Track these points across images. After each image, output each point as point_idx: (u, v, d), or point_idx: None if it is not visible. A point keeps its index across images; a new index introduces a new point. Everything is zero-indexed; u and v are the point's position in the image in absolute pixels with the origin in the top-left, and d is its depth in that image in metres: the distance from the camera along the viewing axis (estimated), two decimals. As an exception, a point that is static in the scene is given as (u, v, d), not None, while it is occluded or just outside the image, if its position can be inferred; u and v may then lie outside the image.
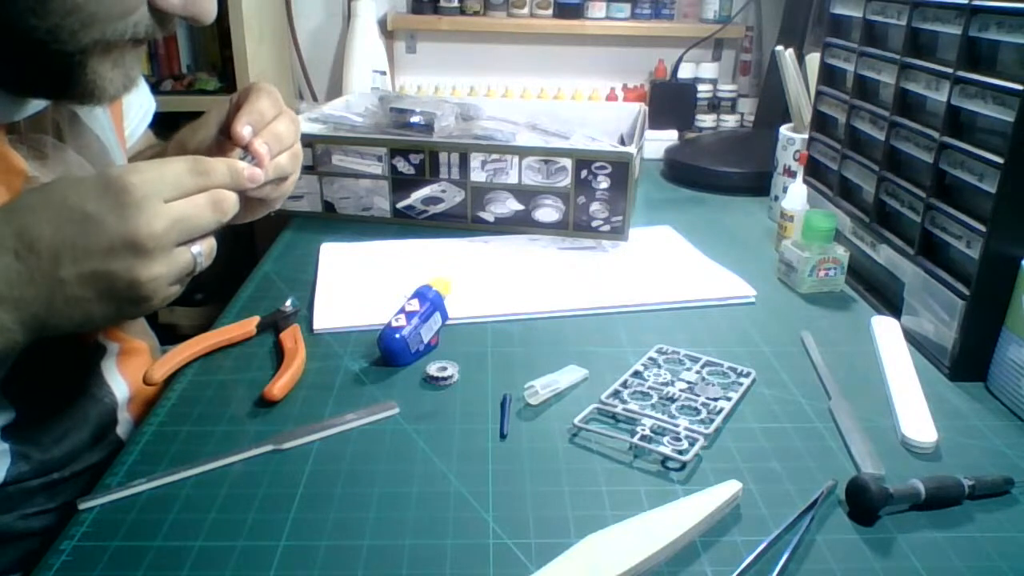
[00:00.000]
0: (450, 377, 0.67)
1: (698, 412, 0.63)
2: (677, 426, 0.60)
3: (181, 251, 0.51)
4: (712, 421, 0.61)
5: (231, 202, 0.54)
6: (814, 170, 1.00)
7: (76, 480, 0.62)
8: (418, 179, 1.02)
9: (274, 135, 0.61)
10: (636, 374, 0.68)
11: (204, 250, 0.53)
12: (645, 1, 1.65)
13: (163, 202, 0.49)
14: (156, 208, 0.48)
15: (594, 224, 0.99)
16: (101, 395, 0.66)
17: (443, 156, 1.01)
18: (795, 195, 0.96)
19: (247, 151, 0.59)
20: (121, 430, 0.67)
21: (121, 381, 0.68)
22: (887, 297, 0.83)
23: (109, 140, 0.68)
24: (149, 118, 0.85)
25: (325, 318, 0.77)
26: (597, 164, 0.96)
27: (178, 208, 0.50)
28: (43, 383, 0.61)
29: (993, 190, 0.64)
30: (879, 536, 0.50)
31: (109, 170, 0.50)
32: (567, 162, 0.97)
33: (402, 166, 1.02)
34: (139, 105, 0.82)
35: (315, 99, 1.70)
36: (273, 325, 0.75)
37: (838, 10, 0.94)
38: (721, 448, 0.59)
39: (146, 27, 0.53)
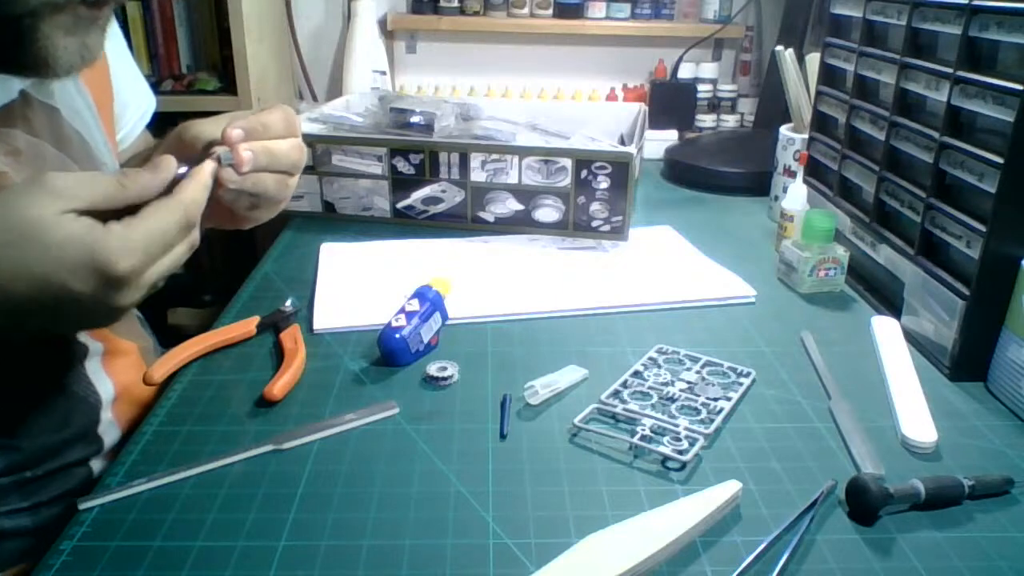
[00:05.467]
0: (450, 377, 0.67)
1: (698, 412, 0.63)
2: (677, 426, 0.60)
3: (151, 271, 0.49)
4: (712, 421, 0.61)
5: (198, 214, 0.52)
6: (814, 170, 1.00)
7: (51, 479, 0.61)
8: (418, 179, 1.02)
9: (268, 149, 0.59)
10: (636, 374, 0.68)
11: (171, 264, 0.51)
12: (645, 1, 1.65)
13: (138, 237, 0.48)
14: (125, 240, 0.47)
15: (594, 224, 0.99)
16: (85, 394, 0.64)
17: (443, 156, 1.01)
18: (795, 195, 0.96)
19: (231, 151, 0.58)
20: (103, 430, 0.66)
21: (107, 380, 0.67)
22: (887, 297, 0.83)
23: (94, 138, 0.66)
24: (148, 117, 0.84)
25: (325, 318, 0.77)
26: (597, 164, 0.96)
27: (149, 239, 0.48)
28: (17, 379, 0.59)
29: (993, 190, 0.64)
30: (879, 536, 0.50)
31: (23, 144, 0.48)
32: (567, 162, 0.97)
33: (402, 166, 1.02)
34: (137, 105, 0.81)
35: (315, 99, 1.70)
36: (273, 325, 0.75)
37: (838, 10, 0.94)
38: (721, 448, 0.59)
39: None
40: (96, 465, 0.64)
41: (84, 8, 0.52)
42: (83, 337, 0.65)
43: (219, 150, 0.57)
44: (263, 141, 0.59)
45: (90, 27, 0.53)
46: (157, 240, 0.49)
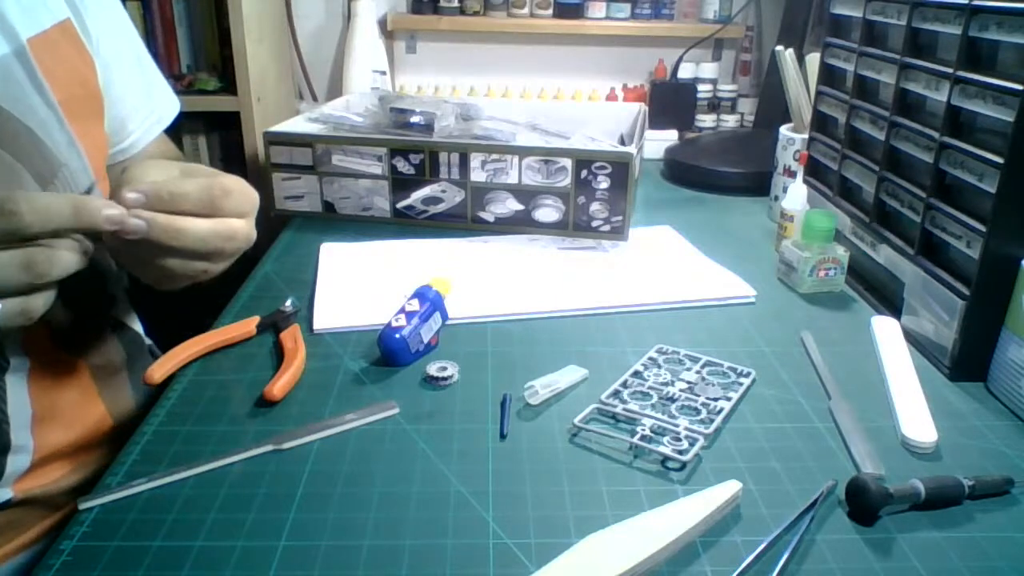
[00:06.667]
0: (450, 377, 0.67)
1: (698, 412, 0.63)
2: (677, 426, 0.60)
3: None
4: (712, 421, 0.61)
5: (54, 262, 0.47)
6: (814, 170, 1.00)
7: None
8: (418, 179, 1.02)
9: (173, 226, 0.52)
10: (636, 374, 0.68)
11: (14, 309, 0.47)
12: (645, 1, 1.65)
13: None
14: None
15: (594, 224, 0.99)
16: None
17: (443, 156, 1.01)
18: (795, 195, 0.96)
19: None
20: (12, 456, 0.60)
21: (25, 400, 0.61)
22: (887, 297, 0.83)
23: (51, 136, 0.62)
24: (165, 123, 0.82)
25: (325, 318, 0.77)
26: (597, 164, 0.96)
27: None
28: None
29: (993, 190, 0.64)
30: (879, 536, 0.50)
31: None
32: (567, 162, 0.97)
33: (402, 166, 1.02)
34: (150, 110, 0.79)
35: (315, 99, 1.70)
36: (273, 325, 0.75)
37: (838, 10, 0.94)
38: (721, 448, 0.59)
39: None
40: None
41: None
42: (9, 350, 0.60)
43: (109, 203, 0.51)
44: (171, 217, 0.53)
45: None
46: None
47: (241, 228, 0.58)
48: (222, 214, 0.56)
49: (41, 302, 0.49)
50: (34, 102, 0.61)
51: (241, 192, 0.58)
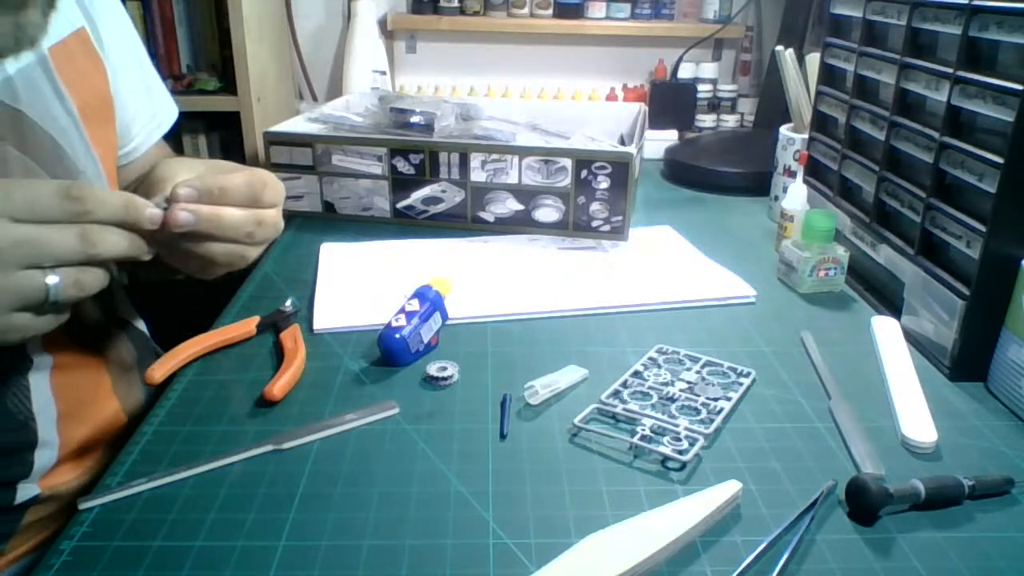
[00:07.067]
0: (450, 377, 0.67)
1: (698, 412, 0.63)
2: (677, 426, 0.60)
3: (27, 275, 0.47)
4: (712, 421, 0.61)
5: (107, 238, 0.50)
6: (814, 170, 1.00)
7: None
8: (418, 179, 1.02)
9: (216, 215, 0.57)
10: (636, 374, 0.68)
11: (68, 280, 0.49)
12: (645, 1, 1.65)
13: (7, 220, 0.46)
14: None
15: (594, 224, 0.99)
16: (16, 410, 0.60)
17: (443, 156, 1.01)
18: (795, 195, 0.96)
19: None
20: (39, 452, 0.62)
21: (50, 398, 0.63)
22: (887, 297, 0.83)
23: (71, 144, 0.64)
24: (165, 128, 0.82)
25: (325, 318, 0.77)
26: (597, 164, 0.96)
27: (24, 231, 0.47)
28: None
29: (993, 190, 0.64)
30: (879, 536, 0.50)
31: None
32: (567, 162, 0.97)
33: (402, 166, 1.02)
34: (151, 115, 0.79)
35: (315, 99, 1.70)
36: (273, 325, 0.75)
37: (838, 10, 0.94)
38: (721, 448, 0.59)
39: None
40: (25, 489, 0.61)
41: None
42: (30, 348, 0.62)
43: (159, 196, 0.56)
44: (214, 207, 0.57)
45: (24, 6, 0.51)
46: (20, 199, 0.47)
47: (271, 215, 0.62)
48: (261, 205, 0.60)
49: (91, 277, 0.51)
50: (55, 110, 0.63)
51: (275, 184, 0.62)
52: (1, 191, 0.47)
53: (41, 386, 0.62)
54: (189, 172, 0.61)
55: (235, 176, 0.59)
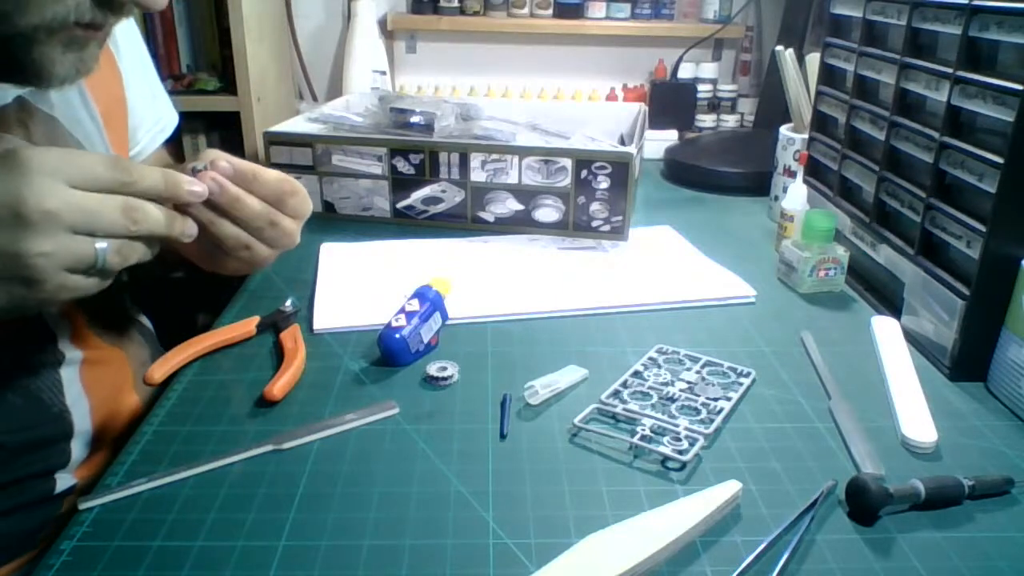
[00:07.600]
0: (450, 377, 0.67)
1: (698, 412, 0.63)
2: (677, 426, 0.60)
3: (79, 239, 0.49)
4: (712, 421, 0.61)
5: (148, 213, 0.52)
6: (814, 170, 1.00)
7: (2, 491, 0.58)
8: (418, 179, 1.02)
9: (236, 196, 0.60)
10: (636, 374, 0.68)
11: (113, 248, 0.51)
12: (645, 1, 1.65)
13: (65, 184, 0.48)
14: (51, 185, 0.47)
15: (594, 224, 0.99)
16: (51, 403, 0.62)
17: (443, 156, 1.01)
18: (795, 195, 0.96)
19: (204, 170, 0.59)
20: (75, 443, 0.64)
21: (82, 392, 0.64)
22: (887, 297, 0.83)
23: (95, 148, 0.66)
24: (168, 132, 0.83)
25: (325, 318, 0.77)
26: (597, 164, 0.96)
27: (80, 196, 0.48)
28: None
29: (993, 190, 0.64)
30: (879, 536, 0.50)
31: (13, 145, 0.49)
32: (567, 162, 0.97)
33: (402, 166, 1.02)
34: (155, 120, 0.80)
35: (315, 99, 1.71)
36: (273, 325, 0.75)
37: (838, 10, 0.94)
38: (721, 448, 0.59)
39: (89, 11, 0.51)
40: (63, 479, 0.63)
41: (80, 29, 0.52)
42: (61, 343, 0.63)
43: (195, 164, 0.59)
44: (239, 189, 0.60)
45: (87, 44, 0.54)
46: (77, 166, 0.49)
47: (288, 223, 0.65)
48: (284, 210, 0.63)
49: (131, 249, 0.53)
50: (81, 115, 0.65)
51: (304, 197, 0.66)
52: (62, 158, 0.49)
53: (72, 380, 0.64)
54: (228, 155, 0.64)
55: (270, 171, 0.62)
